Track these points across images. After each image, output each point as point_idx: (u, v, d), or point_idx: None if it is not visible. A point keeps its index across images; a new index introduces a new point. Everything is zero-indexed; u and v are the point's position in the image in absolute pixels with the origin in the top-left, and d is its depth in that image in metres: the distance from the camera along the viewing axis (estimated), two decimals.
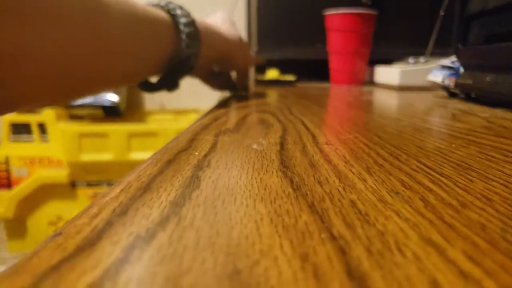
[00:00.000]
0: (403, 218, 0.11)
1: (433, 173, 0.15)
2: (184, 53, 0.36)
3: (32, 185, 1.13)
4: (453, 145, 0.21)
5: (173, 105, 1.47)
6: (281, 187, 0.14)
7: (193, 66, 0.37)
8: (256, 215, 0.11)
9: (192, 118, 1.31)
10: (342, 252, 0.09)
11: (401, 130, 0.26)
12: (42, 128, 1.18)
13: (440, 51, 0.74)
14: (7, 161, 1.13)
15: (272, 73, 0.87)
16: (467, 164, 0.17)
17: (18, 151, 1.14)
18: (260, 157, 0.18)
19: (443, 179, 0.15)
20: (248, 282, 0.08)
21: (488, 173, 0.15)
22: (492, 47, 0.39)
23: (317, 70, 0.91)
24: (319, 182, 0.14)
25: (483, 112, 0.36)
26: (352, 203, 0.12)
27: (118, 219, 0.11)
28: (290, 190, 0.13)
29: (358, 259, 0.08)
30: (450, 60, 0.52)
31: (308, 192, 0.13)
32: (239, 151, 0.19)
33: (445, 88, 0.52)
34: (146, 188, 0.14)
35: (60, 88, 0.24)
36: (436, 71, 0.53)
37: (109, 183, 1.15)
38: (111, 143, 1.12)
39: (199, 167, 0.17)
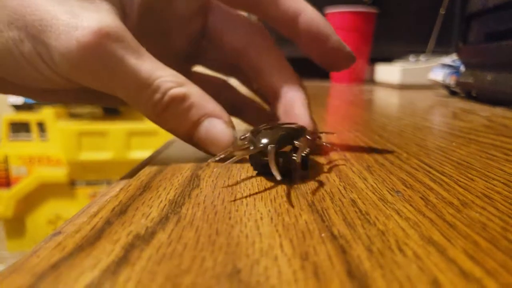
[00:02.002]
0: (404, 217, 0.11)
1: (433, 172, 0.15)
2: None
3: (31, 184, 1.13)
4: (454, 144, 0.21)
5: None
6: (281, 186, 0.14)
7: None
8: (256, 214, 0.11)
9: None
10: (343, 251, 0.09)
11: (402, 129, 0.26)
12: (41, 127, 1.18)
13: (441, 49, 0.74)
14: (6, 160, 1.13)
15: None
16: (467, 163, 0.17)
17: (17, 150, 1.14)
18: None
19: (443, 178, 0.15)
20: (248, 281, 0.08)
21: (489, 172, 0.15)
22: (493, 46, 0.39)
23: (317, 68, 0.91)
24: (320, 181, 0.14)
25: (484, 110, 0.36)
26: (353, 202, 0.12)
27: (117, 218, 0.11)
28: (290, 189, 0.13)
29: (359, 258, 0.08)
30: (451, 59, 0.52)
31: (308, 191, 0.13)
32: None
33: (446, 86, 0.52)
34: (145, 187, 0.14)
35: None
36: (437, 69, 0.53)
37: (109, 182, 1.15)
38: (110, 142, 1.12)
39: (198, 166, 0.16)
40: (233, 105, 0.23)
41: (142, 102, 0.16)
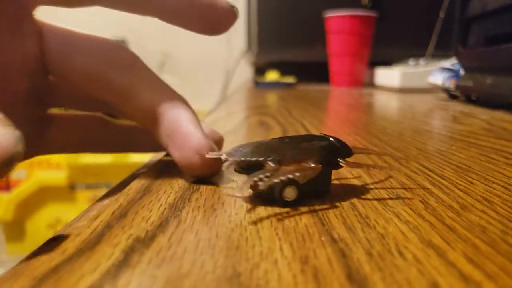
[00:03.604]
0: (404, 220, 0.11)
1: (433, 175, 0.15)
2: None
3: (31, 187, 1.13)
4: (454, 147, 0.21)
5: None
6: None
7: None
8: (256, 217, 0.11)
9: None
10: (343, 255, 0.09)
11: (402, 132, 0.26)
12: None
13: (441, 53, 0.74)
14: None
15: (272, 75, 0.87)
16: (467, 166, 0.17)
17: None
18: None
19: (443, 181, 0.15)
20: (247, 285, 0.08)
21: (489, 175, 0.15)
22: (492, 49, 0.39)
23: (317, 72, 0.91)
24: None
25: (484, 114, 0.36)
26: (352, 205, 0.12)
27: (117, 222, 0.11)
28: None
29: (359, 262, 0.08)
30: (450, 62, 0.52)
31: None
32: None
33: (446, 90, 0.52)
34: (145, 191, 0.14)
35: None
36: (437, 73, 0.53)
37: (108, 186, 1.15)
38: None
39: None
40: (120, 141, 0.20)
41: None
